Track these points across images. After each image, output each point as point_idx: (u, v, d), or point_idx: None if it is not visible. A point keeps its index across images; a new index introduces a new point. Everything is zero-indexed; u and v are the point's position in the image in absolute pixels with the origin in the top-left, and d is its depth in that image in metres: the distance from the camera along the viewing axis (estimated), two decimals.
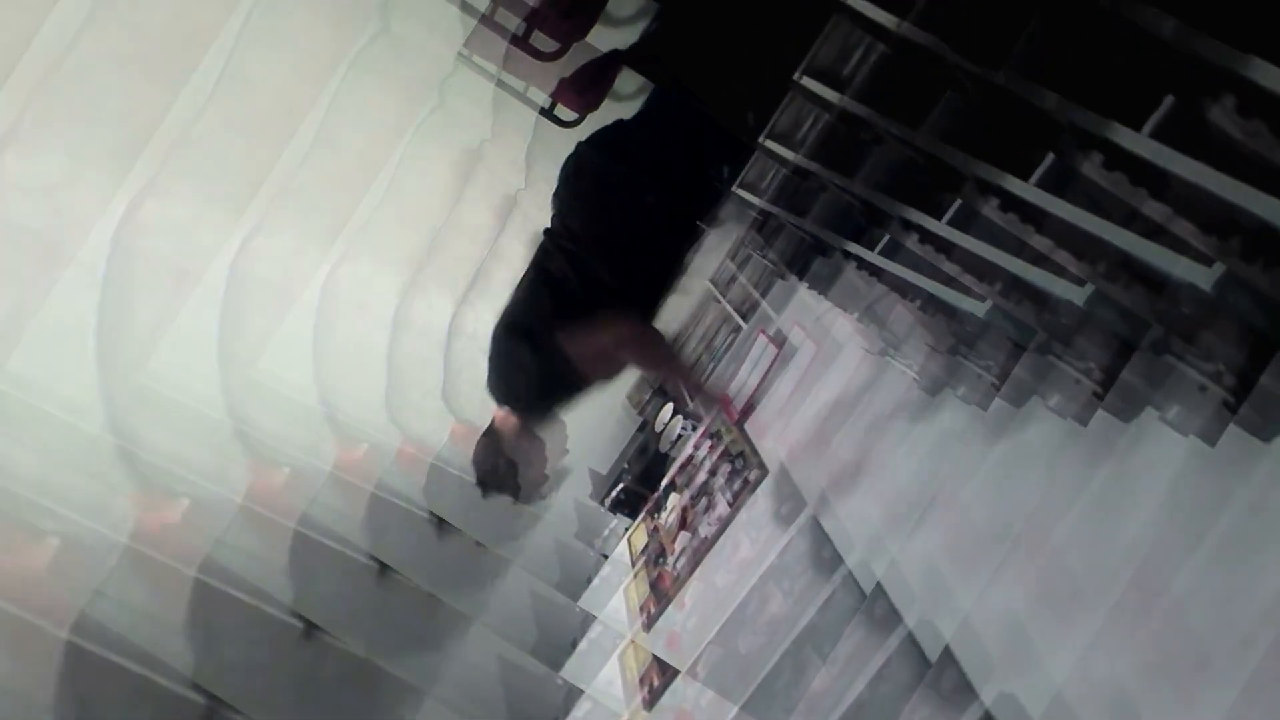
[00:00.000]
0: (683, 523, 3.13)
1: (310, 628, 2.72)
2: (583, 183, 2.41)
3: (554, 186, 2.45)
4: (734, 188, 2.88)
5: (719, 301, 3.88)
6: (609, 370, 2.45)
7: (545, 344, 2.32)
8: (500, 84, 3.47)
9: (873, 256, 2.30)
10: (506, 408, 2.50)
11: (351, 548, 3.03)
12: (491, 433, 2.54)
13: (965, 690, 1.67)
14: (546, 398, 2.45)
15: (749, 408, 3.16)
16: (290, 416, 3.40)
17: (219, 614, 2.65)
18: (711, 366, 3.71)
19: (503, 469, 2.56)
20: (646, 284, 2.44)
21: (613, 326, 2.33)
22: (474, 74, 3.46)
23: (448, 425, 3.62)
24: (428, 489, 3.40)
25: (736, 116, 2.42)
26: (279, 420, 3.34)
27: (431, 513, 3.33)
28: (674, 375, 3.43)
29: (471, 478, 2.62)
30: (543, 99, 3.40)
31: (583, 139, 2.50)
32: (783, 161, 2.60)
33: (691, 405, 3.63)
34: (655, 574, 3.07)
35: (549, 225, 2.45)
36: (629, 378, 4.10)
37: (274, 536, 2.95)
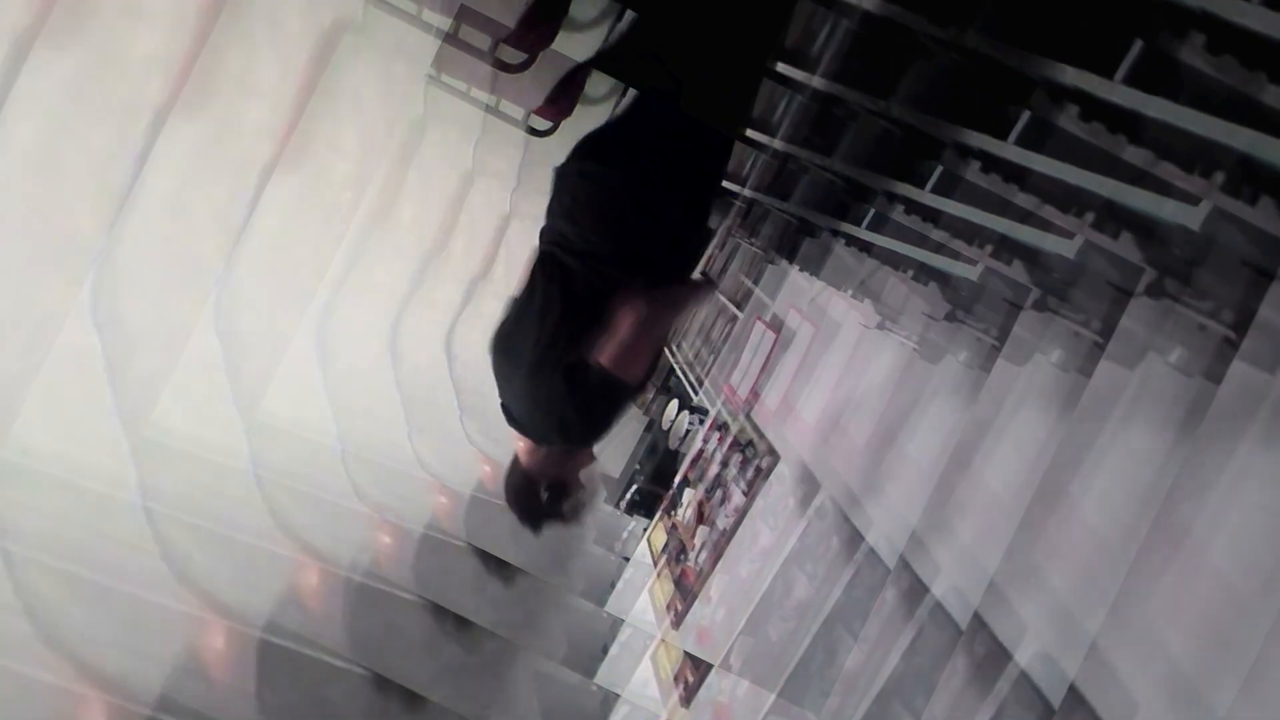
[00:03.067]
0: (700, 517, 3.13)
1: (354, 666, 2.72)
2: (578, 190, 2.33)
3: (546, 197, 2.38)
4: None
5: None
6: (646, 361, 2.29)
7: (581, 370, 2.20)
8: (472, 101, 3.47)
9: (860, 232, 2.30)
10: (558, 445, 2.39)
11: (385, 583, 3.03)
12: (520, 469, 2.45)
13: (1000, 654, 1.67)
14: (601, 421, 2.36)
15: (754, 395, 3.16)
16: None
17: (268, 664, 2.65)
18: (711, 359, 3.71)
19: (547, 499, 2.46)
20: (663, 277, 2.34)
21: (629, 315, 2.19)
22: (446, 94, 3.47)
23: (476, 465, 3.61)
24: (468, 522, 3.38)
25: (716, 107, 2.42)
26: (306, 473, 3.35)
27: (469, 544, 3.32)
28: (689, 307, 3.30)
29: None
30: (516, 111, 3.40)
31: (573, 147, 2.44)
32: (761, 147, 2.60)
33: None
34: (678, 571, 3.07)
35: (551, 236, 2.36)
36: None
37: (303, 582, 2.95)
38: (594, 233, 2.21)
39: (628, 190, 2.24)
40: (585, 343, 2.15)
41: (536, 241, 2.34)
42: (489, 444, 3.58)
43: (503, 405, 2.34)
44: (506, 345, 2.31)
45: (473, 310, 3.86)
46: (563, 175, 2.29)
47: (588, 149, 2.40)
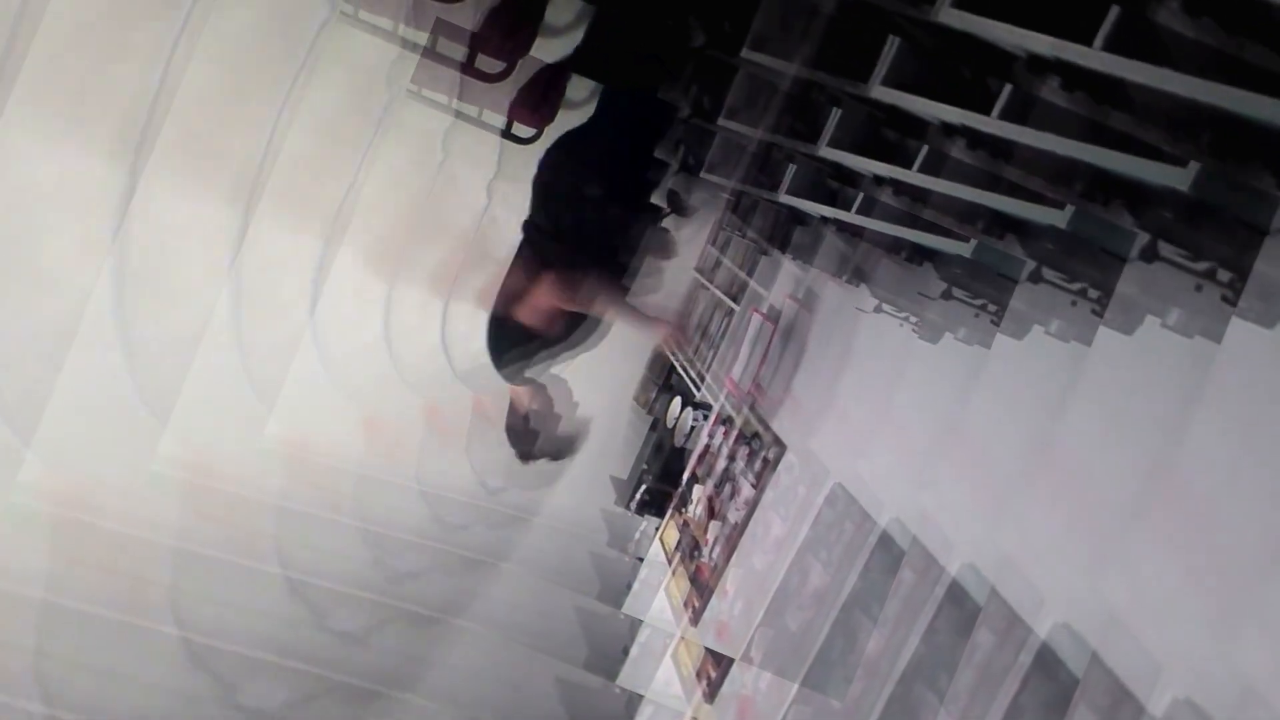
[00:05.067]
0: (711, 512, 3.13)
1: (364, 682, 2.72)
2: (551, 180, 2.77)
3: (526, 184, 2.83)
4: (702, 173, 2.89)
5: (707, 288, 3.88)
6: (550, 320, 2.97)
7: (503, 316, 2.88)
8: (453, 113, 3.47)
9: (850, 217, 2.30)
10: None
11: (399, 598, 3.04)
12: (511, 406, 3.02)
13: (1020, 627, 1.67)
14: (506, 356, 2.97)
15: (756, 387, 3.16)
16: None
17: (288, 688, 2.66)
18: (711, 353, 3.71)
19: (523, 430, 3.08)
20: (610, 258, 2.87)
21: (543, 280, 2.85)
22: (428, 107, 3.46)
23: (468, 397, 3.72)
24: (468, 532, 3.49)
25: (690, 100, 2.47)
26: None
27: (459, 549, 3.33)
28: (612, 313, 3.65)
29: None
30: (498, 121, 3.40)
31: (552, 142, 2.86)
32: (744, 139, 2.61)
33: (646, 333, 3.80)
34: (693, 568, 3.07)
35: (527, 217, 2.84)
36: (631, 379, 4.10)
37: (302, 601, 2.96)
38: (544, 208, 2.82)
39: (575, 173, 2.70)
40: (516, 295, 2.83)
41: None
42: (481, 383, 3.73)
43: None
44: None
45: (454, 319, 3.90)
46: (538, 166, 2.87)
47: (559, 142, 2.82)
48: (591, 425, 3.41)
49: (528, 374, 3.11)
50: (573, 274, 2.91)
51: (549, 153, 2.91)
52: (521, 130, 3.33)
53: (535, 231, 2.87)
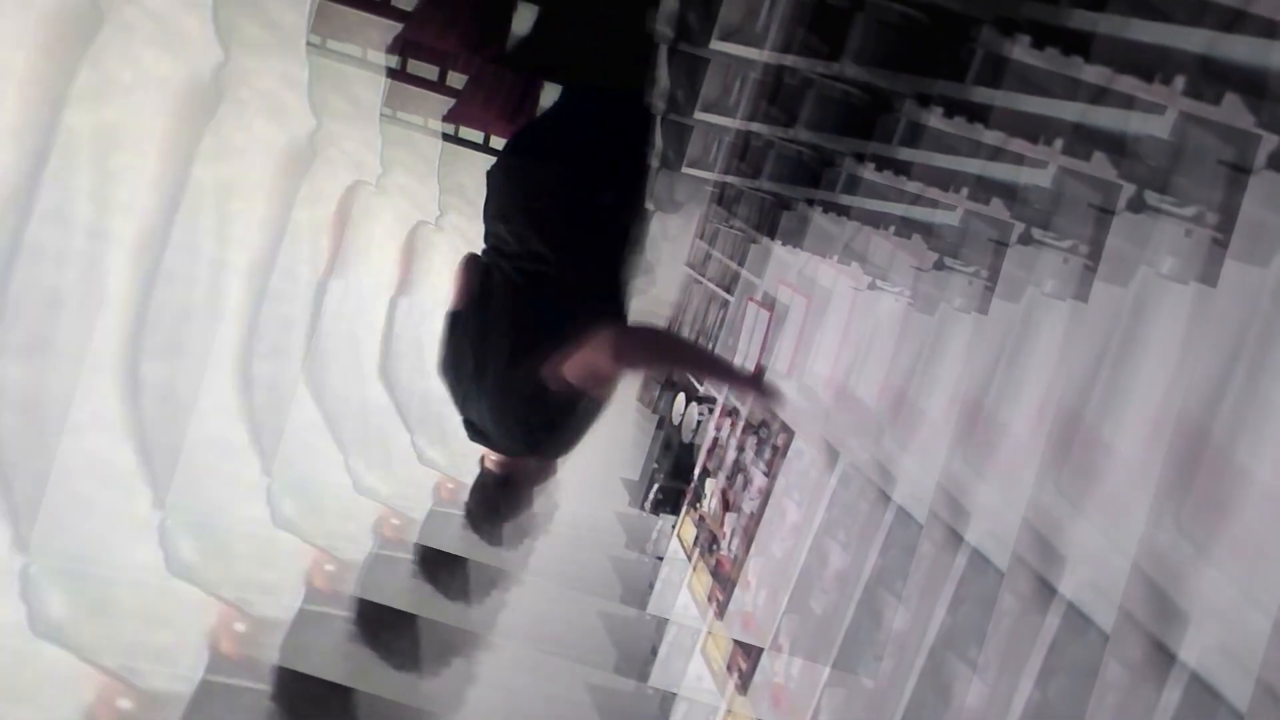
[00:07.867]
0: (725, 505, 3.12)
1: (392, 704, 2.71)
2: (505, 187, 2.26)
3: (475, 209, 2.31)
4: (683, 167, 2.88)
5: (700, 282, 3.87)
6: (612, 386, 2.25)
7: (547, 385, 2.13)
8: (430, 132, 3.47)
9: (836, 197, 2.30)
10: (535, 456, 2.34)
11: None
12: (492, 480, 2.38)
13: (1044, 590, 1.67)
14: (573, 435, 2.28)
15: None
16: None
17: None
18: (710, 346, 3.71)
19: (494, 517, 2.40)
20: (605, 270, 2.28)
21: (598, 344, 2.12)
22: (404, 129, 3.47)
23: (430, 484, 3.61)
24: (424, 530, 3.37)
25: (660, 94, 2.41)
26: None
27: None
28: (689, 366, 3.26)
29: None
30: (476, 136, 3.40)
31: (502, 147, 2.40)
32: (721, 130, 2.60)
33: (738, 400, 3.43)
34: (713, 561, 3.07)
35: (492, 246, 2.28)
36: (633, 379, 4.10)
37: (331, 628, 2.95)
38: (525, 228, 2.18)
39: (551, 181, 2.20)
40: (548, 354, 2.11)
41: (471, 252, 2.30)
42: (444, 460, 3.60)
43: (465, 421, 2.28)
44: (459, 362, 2.25)
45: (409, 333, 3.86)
46: (491, 175, 2.26)
47: (513, 146, 2.38)
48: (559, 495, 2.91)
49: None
50: (633, 327, 2.22)
51: (512, 158, 2.30)
52: (499, 143, 3.33)
53: (526, 260, 2.17)
